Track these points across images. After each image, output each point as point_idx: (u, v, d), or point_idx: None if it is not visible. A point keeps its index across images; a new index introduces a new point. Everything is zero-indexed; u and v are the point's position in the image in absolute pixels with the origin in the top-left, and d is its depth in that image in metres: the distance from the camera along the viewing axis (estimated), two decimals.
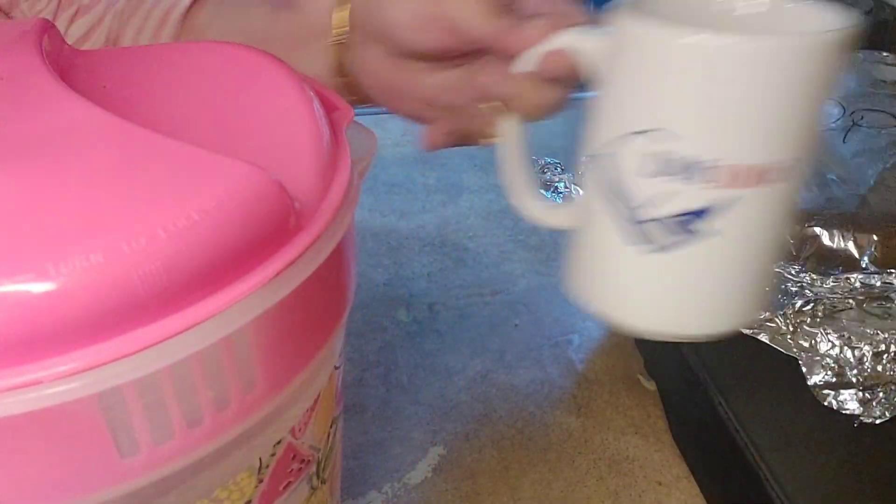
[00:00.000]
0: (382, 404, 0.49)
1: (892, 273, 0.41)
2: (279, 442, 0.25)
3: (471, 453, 0.46)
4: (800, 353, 0.40)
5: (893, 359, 0.38)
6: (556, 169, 0.51)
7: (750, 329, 0.41)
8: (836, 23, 0.24)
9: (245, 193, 0.20)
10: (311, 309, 0.23)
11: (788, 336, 0.40)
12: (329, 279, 0.24)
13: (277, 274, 0.20)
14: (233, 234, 0.19)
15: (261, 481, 0.25)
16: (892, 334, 0.39)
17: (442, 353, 0.53)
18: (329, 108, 0.27)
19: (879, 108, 0.52)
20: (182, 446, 0.21)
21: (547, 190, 0.50)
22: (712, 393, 0.41)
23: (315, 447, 0.27)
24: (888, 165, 0.47)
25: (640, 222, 0.26)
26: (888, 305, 0.40)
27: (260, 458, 0.25)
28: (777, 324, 0.41)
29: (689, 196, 0.25)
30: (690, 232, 0.26)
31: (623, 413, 0.48)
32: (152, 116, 0.24)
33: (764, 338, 0.41)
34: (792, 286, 0.42)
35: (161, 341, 0.19)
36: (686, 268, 0.27)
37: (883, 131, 0.50)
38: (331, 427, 0.28)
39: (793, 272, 0.42)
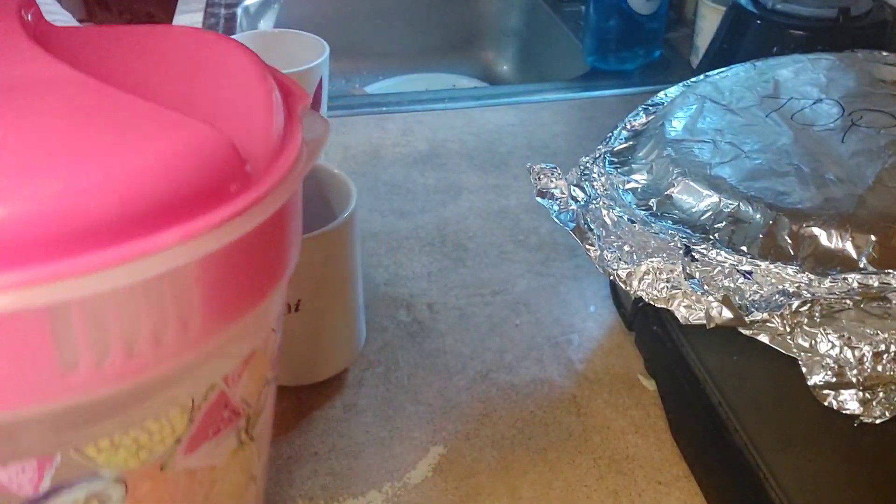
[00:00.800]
0: (383, 404, 0.49)
1: (890, 273, 0.41)
2: (213, 387, 0.27)
3: (471, 453, 0.46)
4: (799, 354, 0.40)
5: (893, 359, 0.39)
6: (551, 174, 0.51)
7: (749, 330, 0.41)
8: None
9: (199, 145, 0.22)
10: (251, 264, 0.25)
11: (788, 336, 0.40)
12: (270, 240, 0.26)
13: (223, 222, 0.22)
14: (185, 180, 0.21)
15: (192, 421, 0.27)
16: (892, 334, 0.39)
17: (442, 353, 0.53)
18: (286, 92, 0.29)
19: (879, 108, 0.53)
20: (120, 372, 0.22)
21: (543, 198, 0.50)
22: (712, 393, 0.41)
23: (246, 402, 0.29)
24: (887, 165, 0.47)
25: None
26: (887, 305, 0.40)
27: (193, 399, 0.26)
28: (775, 324, 0.41)
29: None
30: None
31: (623, 413, 0.48)
32: (121, 79, 0.26)
33: (764, 338, 0.41)
34: (790, 286, 0.42)
35: (109, 266, 0.20)
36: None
37: (882, 131, 0.50)
38: (264, 388, 0.30)
39: (790, 272, 0.42)
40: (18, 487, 0.24)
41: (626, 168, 0.52)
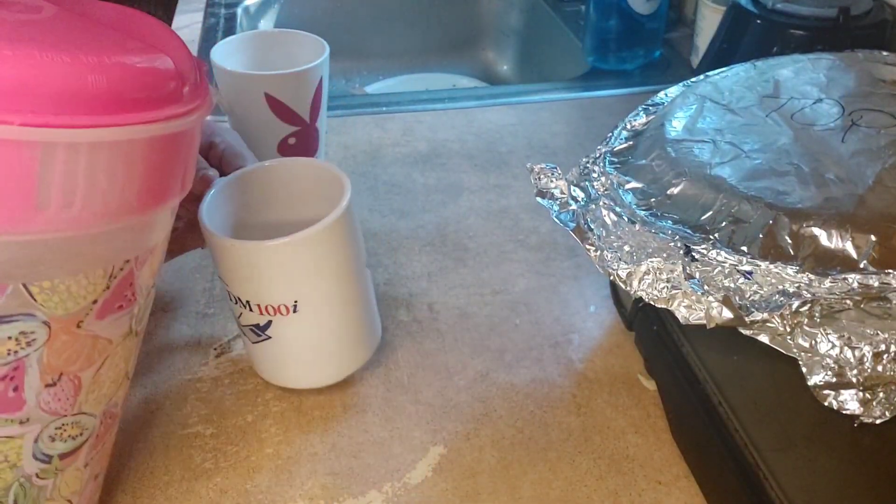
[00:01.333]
0: (383, 404, 0.49)
1: (890, 273, 0.41)
2: (127, 262, 0.34)
3: (471, 453, 0.46)
4: (800, 354, 0.40)
5: (893, 359, 0.39)
6: (551, 174, 0.51)
7: (749, 330, 0.41)
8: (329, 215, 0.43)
9: (163, 62, 0.32)
10: (174, 162, 0.33)
11: (788, 336, 0.40)
12: (188, 148, 0.34)
13: (170, 118, 0.31)
14: (151, 82, 0.31)
15: (108, 287, 0.33)
16: (892, 334, 0.39)
17: (442, 352, 0.53)
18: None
19: (879, 108, 0.52)
20: (76, 218, 0.29)
21: (542, 198, 0.50)
22: (712, 393, 0.41)
23: (140, 291, 0.36)
24: (887, 165, 0.47)
25: (242, 326, 0.47)
26: (887, 305, 0.40)
27: (113, 266, 0.33)
28: (776, 324, 0.41)
29: (252, 317, 0.45)
30: (264, 334, 0.46)
31: (623, 413, 0.48)
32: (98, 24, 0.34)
33: (764, 338, 0.41)
34: (790, 287, 0.42)
35: (93, 126, 0.28)
36: (271, 352, 0.48)
37: (882, 131, 0.50)
38: (151, 287, 0.37)
39: (791, 273, 0.42)
40: None
41: (626, 168, 0.52)
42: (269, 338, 0.46)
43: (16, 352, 0.30)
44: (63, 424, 0.34)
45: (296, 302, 0.44)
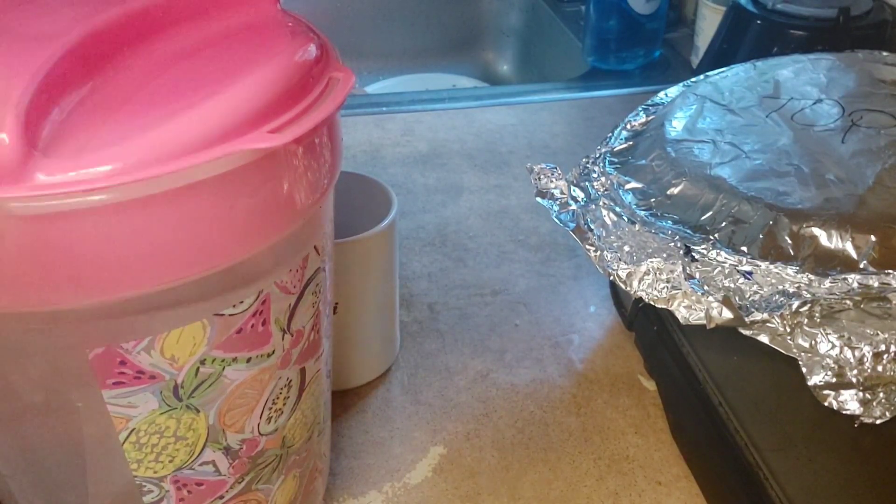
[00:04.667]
0: (383, 404, 0.49)
1: (890, 273, 0.41)
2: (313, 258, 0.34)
3: (471, 453, 0.46)
4: (800, 354, 0.40)
5: (893, 359, 0.39)
6: (551, 174, 0.51)
7: (749, 330, 0.41)
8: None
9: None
10: (323, 157, 0.31)
11: (788, 336, 0.40)
12: (331, 141, 0.32)
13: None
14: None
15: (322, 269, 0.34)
16: (892, 334, 0.39)
17: (442, 353, 0.53)
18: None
19: (879, 109, 0.52)
20: (308, 204, 0.30)
21: (542, 198, 0.50)
22: (712, 393, 0.41)
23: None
24: (887, 166, 0.47)
25: None
26: (887, 305, 0.40)
27: (304, 256, 0.33)
28: (776, 324, 0.41)
29: None
30: None
31: (623, 413, 0.48)
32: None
33: (764, 338, 0.41)
34: (790, 287, 0.42)
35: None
36: None
37: (882, 131, 0.50)
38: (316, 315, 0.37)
39: (791, 273, 0.42)
40: (293, 287, 0.31)
41: (626, 168, 0.52)
42: None
43: (316, 302, 0.34)
44: (331, 344, 0.38)
45: (336, 304, 0.46)
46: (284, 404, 0.33)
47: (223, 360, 0.29)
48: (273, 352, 0.31)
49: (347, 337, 0.48)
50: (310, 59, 0.30)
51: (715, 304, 0.41)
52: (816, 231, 0.43)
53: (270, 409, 0.33)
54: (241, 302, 0.29)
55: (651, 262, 0.44)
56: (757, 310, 0.41)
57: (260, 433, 0.33)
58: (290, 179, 0.28)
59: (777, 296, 0.41)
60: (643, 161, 0.52)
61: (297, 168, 0.28)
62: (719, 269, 0.43)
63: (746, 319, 0.41)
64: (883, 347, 0.39)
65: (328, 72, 0.30)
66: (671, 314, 0.43)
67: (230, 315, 0.29)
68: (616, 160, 0.53)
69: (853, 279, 0.41)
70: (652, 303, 0.43)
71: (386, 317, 0.50)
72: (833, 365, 0.39)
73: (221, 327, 0.29)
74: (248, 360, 0.30)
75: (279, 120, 0.27)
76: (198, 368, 0.29)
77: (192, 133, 0.25)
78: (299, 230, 0.30)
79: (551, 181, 0.51)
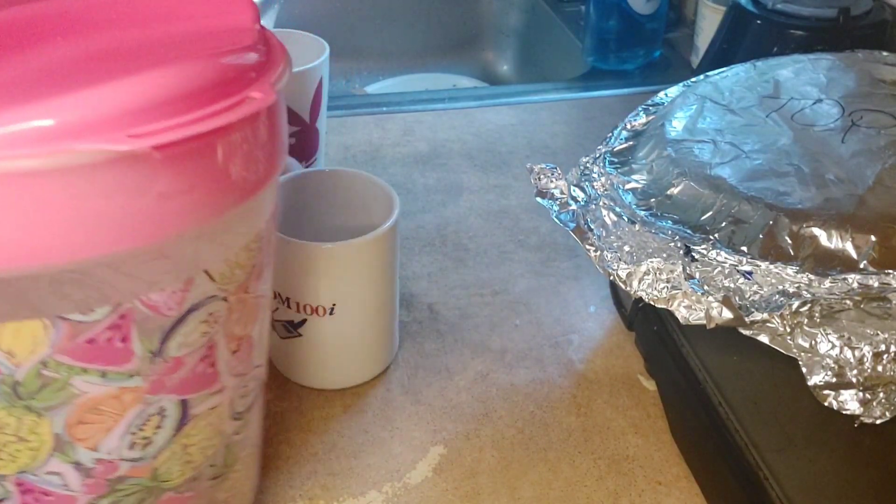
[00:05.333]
0: (383, 404, 0.49)
1: (890, 273, 0.41)
2: (267, 222, 0.34)
3: (471, 453, 0.46)
4: (800, 354, 0.40)
5: (893, 359, 0.39)
6: (551, 174, 0.51)
7: (749, 330, 0.41)
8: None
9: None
10: (279, 128, 0.32)
11: (788, 336, 0.40)
12: (276, 125, 0.32)
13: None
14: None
15: (260, 249, 0.33)
16: (892, 334, 0.39)
17: (442, 353, 0.53)
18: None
19: (879, 109, 0.52)
20: (256, 181, 0.30)
21: (542, 198, 0.50)
22: (712, 393, 0.41)
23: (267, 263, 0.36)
24: (887, 166, 0.47)
25: (275, 321, 0.47)
26: (887, 306, 0.40)
27: (260, 228, 0.33)
28: (776, 324, 0.41)
29: (287, 314, 0.47)
30: (296, 332, 0.47)
31: (623, 413, 0.48)
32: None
33: (764, 338, 0.41)
34: (790, 287, 0.42)
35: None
36: (299, 350, 0.49)
37: (882, 131, 0.50)
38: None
39: (791, 273, 0.42)
40: (169, 309, 0.29)
41: (626, 168, 0.52)
42: (300, 335, 0.47)
43: (207, 332, 0.32)
44: (245, 382, 0.36)
45: (334, 305, 0.46)
46: (155, 434, 0.31)
47: (70, 368, 0.28)
48: (137, 374, 0.30)
49: (345, 338, 0.48)
50: (222, 75, 0.28)
51: (715, 304, 0.41)
52: (816, 231, 0.43)
53: (135, 434, 0.31)
54: (93, 311, 0.27)
55: (651, 262, 0.44)
56: (757, 310, 0.41)
57: (121, 458, 0.31)
58: (149, 191, 0.26)
59: (777, 296, 0.41)
60: (643, 161, 0.52)
61: (161, 181, 0.26)
62: (719, 269, 0.43)
63: (746, 319, 0.41)
64: (883, 347, 0.39)
65: (247, 90, 0.28)
66: (671, 314, 0.43)
67: (78, 322, 0.27)
68: (616, 160, 0.53)
69: (853, 279, 0.41)
70: (652, 303, 0.43)
71: (385, 318, 0.49)
72: (833, 365, 0.39)
73: (68, 332, 0.27)
74: (103, 374, 0.29)
75: (159, 125, 0.25)
76: (39, 370, 0.28)
77: (49, 121, 0.24)
78: (175, 249, 0.28)
79: (551, 181, 0.51)
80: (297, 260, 0.44)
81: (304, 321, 0.47)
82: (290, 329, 0.47)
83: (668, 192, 0.49)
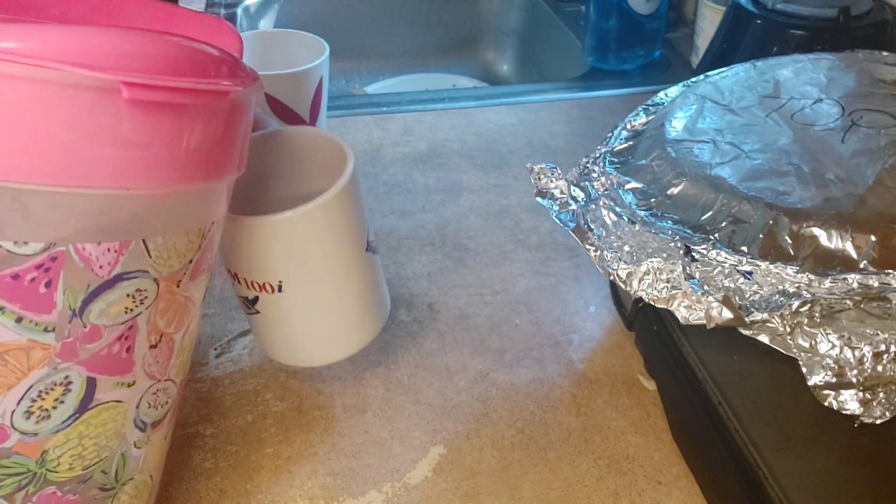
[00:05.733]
0: (383, 404, 0.49)
1: (890, 273, 0.41)
2: (213, 223, 0.35)
3: (471, 453, 0.46)
4: (800, 354, 0.40)
5: (893, 359, 0.39)
6: (551, 174, 0.51)
7: (749, 330, 0.41)
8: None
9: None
10: (232, 133, 0.34)
11: (788, 336, 0.40)
12: (241, 124, 0.35)
13: (233, 86, 0.32)
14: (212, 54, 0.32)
15: (199, 248, 0.35)
16: (892, 334, 0.39)
17: (442, 352, 0.53)
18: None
19: (879, 108, 0.52)
20: (178, 174, 0.31)
21: (542, 198, 0.50)
22: (712, 393, 0.41)
23: (209, 263, 0.37)
24: (887, 165, 0.47)
25: (237, 295, 0.46)
26: (887, 305, 0.40)
27: (203, 226, 0.35)
28: (776, 324, 0.41)
29: (241, 290, 0.45)
30: (253, 308, 0.45)
31: (623, 413, 0.48)
32: None
33: (764, 338, 0.41)
34: (790, 287, 0.42)
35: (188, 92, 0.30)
36: (260, 326, 0.47)
37: (882, 131, 0.50)
38: (211, 265, 0.38)
39: (791, 273, 0.42)
40: (100, 268, 0.30)
41: (626, 168, 0.52)
42: (258, 312, 0.45)
43: (131, 309, 0.32)
44: (157, 390, 0.35)
45: (280, 282, 0.43)
46: (55, 408, 0.31)
47: None
48: (53, 329, 0.29)
49: (299, 316, 0.45)
50: (200, 56, 0.31)
51: (715, 304, 0.41)
52: (816, 231, 0.43)
53: (34, 401, 0.30)
54: (26, 244, 0.28)
55: (651, 262, 0.44)
56: (757, 310, 0.41)
57: (13, 425, 0.30)
58: (109, 131, 0.28)
59: (777, 296, 0.41)
60: (643, 161, 0.52)
61: (123, 126, 0.28)
62: (719, 269, 0.43)
63: (746, 319, 0.41)
64: (883, 347, 0.39)
65: (218, 78, 0.32)
66: (671, 314, 0.43)
67: (8, 252, 0.27)
68: (616, 160, 0.53)
69: (853, 279, 0.41)
70: (652, 303, 0.43)
71: (347, 296, 0.45)
72: (833, 365, 0.39)
73: None
74: (19, 319, 0.28)
75: (132, 73, 0.27)
76: None
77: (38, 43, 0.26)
78: (118, 204, 0.29)
79: (551, 181, 0.51)
80: (238, 235, 0.42)
81: (256, 298, 0.44)
82: (248, 306, 0.45)
83: (668, 192, 0.49)
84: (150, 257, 0.31)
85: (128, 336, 0.32)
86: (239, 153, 0.36)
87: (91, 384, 0.31)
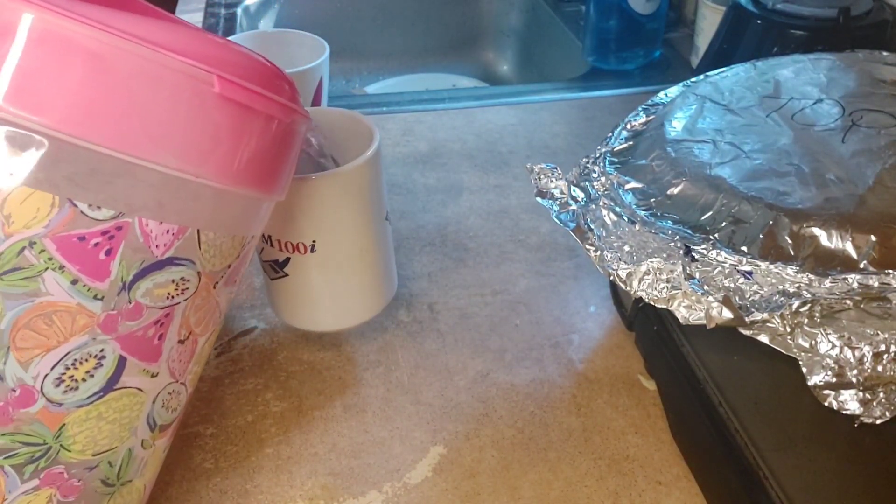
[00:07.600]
0: (383, 404, 0.49)
1: (890, 273, 0.41)
2: (253, 237, 0.37)
3: (471, 453, 0.46)
4: (800, 354, 0.40)
5: (893, 359, 0.39)
6: (551, 174, 0.51)
7: (749, 330, 0.41)
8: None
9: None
10: (285, 153, 0.36)
11: (788, 336, 0.40)
12: (293, 146, 0.37)
13: (293, 110, 0.36)
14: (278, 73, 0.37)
15: (238, 256, 0.36)
16: (892, 334, 0.39)
17: (442, 353, 0.53)
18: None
19: (879, 109, 0.52)
20: (237, 174, 0.34)
21: (542, 198, 0.50)
22: (712, 393, 0.41)
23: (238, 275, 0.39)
24: (887, 165, 0.47)
25: (263, 262, 0.48)
26: (887, 305, 0.40)
27: (246, 235, 0.36)
28: (776, 324, 0.41)
29: (272, 253, 0.47)
30: (282, 272, 0.48)
31: (623, 413, 0.48)
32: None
33: (764, 338, 0.41)
34: (790, 287, 0.42)
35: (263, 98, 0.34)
36: (287, 291, 0.49)
37: (882, 131, 0.50)
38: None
39: (791, 273, 0.42)
40: (156, 247, 0.31)
41: (626, 168, 0.52)
42: (287, 275, 0.48)
43: (173, 296, 0.33)
44: (173, 391, 0.36)
45: (314, 242, 0.46)
46: (84, 380, 0.31)
47: (51, 259, 0.28)
48: (102, 296, 0.30)
49: (329, 276, 0.48)
50: (276, 78, 0.36)
51: (715, 304, 0.41)
52: (816, 231, 0.43)
53: (67, 369, 0.30)
54: (100, 209, 0.29)
55: (651, 262, 0.44)
56: (757, 310, 0.41)
57: (42, 390, 0.30)
58: (199, 118, 0.31)
59: (777, 296, 0.41)
60: (643, 161, 0.52)
61: (212, 114, 0.31)
62: (719, 269, 0.43)
63: (746, 319, 0.41)
64: (883, 347, 0.39)
65: (286, 100, 0.35)
66: (671, 314, 0.43)
67: (82, 213, 0.28)
68: (616, 160, 0.53)
69: (853, 279, 0.41)
70: (652, 303, 0.43)
71: (370, 257, 0.49)
72: (833, 365, 0.39)
73: (68, 219, 0.28)
74: (75, 281, 0.29)
75: (225, 74, 0.31)
76: (23, 247, 0.28)
77: (170, 36, 0.30)
78: (184, 190, 0.31)
79: (551, 181, 0.51)
80: None
81: (287, 260, 0.47)
82: (276, 269, 0.48)
83: (668, 192, 0.49)
84: (200, 249, 0.33)
85: (163, 323, 0.33)
86: (286, 177, 0.37)
87: (121, 364, 0.32)
